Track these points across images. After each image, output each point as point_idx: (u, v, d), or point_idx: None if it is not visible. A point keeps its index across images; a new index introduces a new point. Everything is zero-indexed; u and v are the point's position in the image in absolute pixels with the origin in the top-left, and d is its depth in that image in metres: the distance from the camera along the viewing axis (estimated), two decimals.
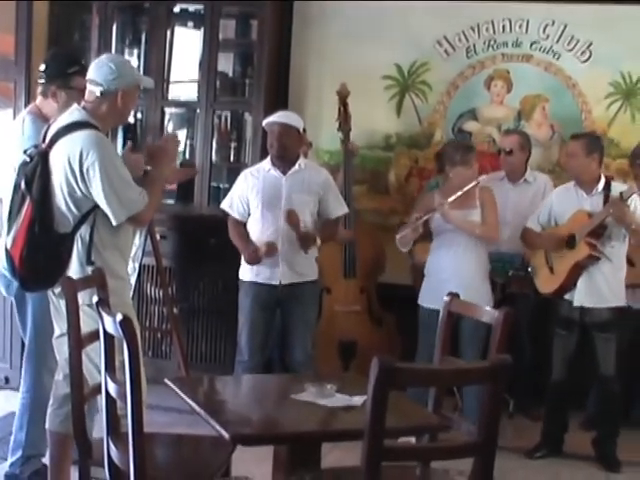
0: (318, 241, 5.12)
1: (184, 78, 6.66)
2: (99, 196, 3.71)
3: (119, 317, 2.85)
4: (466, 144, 5.78)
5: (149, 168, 4.00)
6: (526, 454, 5.25)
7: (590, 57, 6.20)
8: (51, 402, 3.96)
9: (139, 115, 6.56)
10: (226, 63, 6.67)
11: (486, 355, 3.51)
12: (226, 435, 2.89)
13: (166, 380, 3.44)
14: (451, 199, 5.10)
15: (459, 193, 5.09)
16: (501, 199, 5.77)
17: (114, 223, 3.75)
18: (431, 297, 5.12)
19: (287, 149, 5.11)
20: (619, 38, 6.10)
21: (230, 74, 6.70)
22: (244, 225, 5.24)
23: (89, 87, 3.84)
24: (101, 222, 3.78)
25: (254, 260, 5.07)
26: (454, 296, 3.66)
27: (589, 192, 5.13)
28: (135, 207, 3.78)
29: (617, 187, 5.10)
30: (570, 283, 5.13)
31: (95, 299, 3.23)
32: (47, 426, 3.94)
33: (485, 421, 2.71)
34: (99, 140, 3.74)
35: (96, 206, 3.75)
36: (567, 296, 5.16)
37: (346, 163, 6.00)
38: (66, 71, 4.24)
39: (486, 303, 4.88)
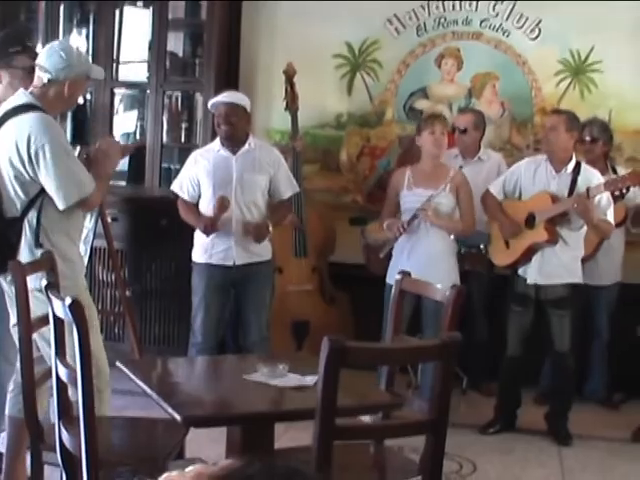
0: (271, 229, 5.10)
1: (134, 58, 6.59)
2: (48, 179, 3.66)
3: (68, 300, 2.82)
4: (434, 113, 5.80)
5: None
6: (480, 430, 5.28)
7: (539, 35, 6.22)
8: (11, 388, 3.93)
9: (88, 96, 6.47)
10: (176, 43, 6.61)
11: None
12: (178, 417, 2.88)
13: (118, 363, 3.42)
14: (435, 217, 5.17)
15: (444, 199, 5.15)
16: None
17: (62, 206, 3.71)
18: (392, 276, 5.16)
19: (235, 129, 5.08)
20: (568, 16, 6.12)
21: (180, 54, 6.65)
22: (195, 206, 5.21)
23: (38, 72, 3.80)
24: (49, 206, 3.73)
25: (210, 227, 5.00)
26: (406, 274, 3.66)
27: (558, 171, 5.13)
28: (85, 190, 3.74)
29: (586, 171, 5.12)
30: (523, 260, 5.17)
31: (44, 283, 3.20)
32: (6, 412, 3.91)
33: (436, 398, 2.73)
34: (48, 123, 3.70)
35: (44, 190, 3.70)
36: (521, 272, 5.20)
37: (294, 160, 5.96)
38: (7, 50, 4.16)
39: (453, 280, 4.91)
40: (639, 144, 6.07)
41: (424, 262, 5.05)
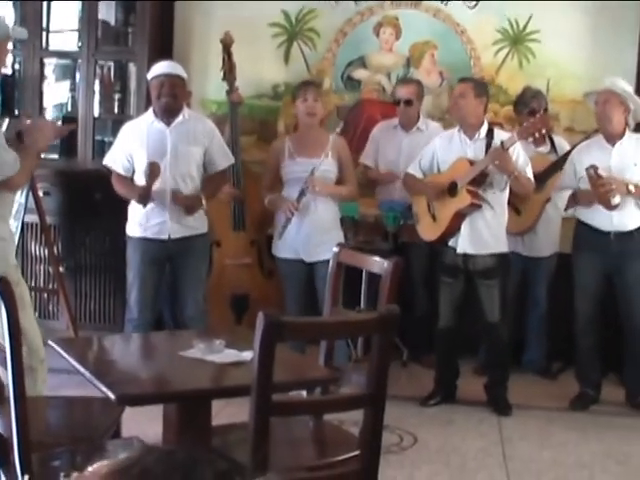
0: (204, 202, 5.02)
1: (64, 27, 6.42)
2: None
3: None
4: (306, 80, 5.79)
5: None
6: (421, 402, 5.28)
7: (478, 3, 6.19)
8: None
9: (17, 66, 6.30)
10: (107, 11, 6.44)
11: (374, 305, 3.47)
12: (112, 396, 2.82)
13: (50, 341, 3.33)
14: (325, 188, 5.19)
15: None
16: (395, 147, 5.80)
17: None
18: (284, 247, 5.26)
19: (177, 101, 5.00)
20: None
21: (112, 22, 6.48)
22: (130, 180, 5.09)
23: None
24: None
25: (145, 195, 4.90)
26: (343, 246, 3.62)
27: (472, 137, 5.12)
28: (8, 170, 3.63)
29: (499, 134, 5.12)
30: (452, 231, 5.15)
31: None
32: None
33: (374, 372, 2.67)
34: None
35: None
36: (451, 243, 5.18)
37: (232, 115, 5.88)
38: None
39: None
40: (576, 113, 6.08)
41: (314, 233, 5.14)
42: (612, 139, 5.15)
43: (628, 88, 5.17)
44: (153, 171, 4.86)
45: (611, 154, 5.13)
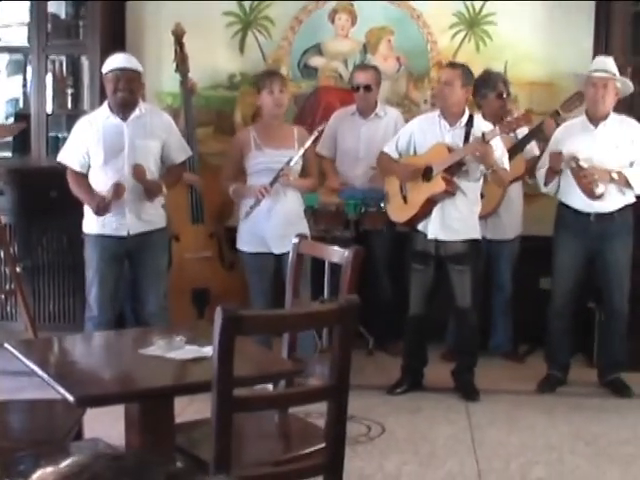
0: (164, 189, 4.95)
1: (13, 21, 6.30)
2: None
3: None
4: (270, 70, 5.77)
5: None
6: (388, 391, 5.24)
7: None
8: None
9: None
10: (57, 5, 6.33)
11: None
12: (71, 398, 2.76)
13: (6, 344, 3.26)
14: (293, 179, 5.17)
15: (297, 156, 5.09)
16: (354, 134, 5.75)
17: None
18: (250, 241, 5.21)
19: (134, 95, 4.92)
20: None
21: (62, 16, 6.37)
22: (86, 176, 5.00)
23: None
24: None
25: (103, 209, 4.85)
26: (303, 237, 3.57)
27: (453, 124, 5.08)
28: None
29: (479, 122, 5.09)
30: (423, 215, 5.12)
31: None
32: None
33: (336, 363, 2.64)
34: None
35: None
36: (421, 228, 5.14)
37: (186, 104, 5.81)
38: None
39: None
40: (534, 95, 6.09)
41: (283, 222, 5.10)
42: (597, 120, 5.15)
43: (616, 69, 5.17)
44: (117, 192, 4.81)
45: (594, 135, 5.13)
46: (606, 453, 4.45)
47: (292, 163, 5.10)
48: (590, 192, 5.02)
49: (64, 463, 1.15)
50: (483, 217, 5.53)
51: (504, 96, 5.66)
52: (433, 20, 6.17)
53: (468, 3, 6.15)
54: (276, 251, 5.20)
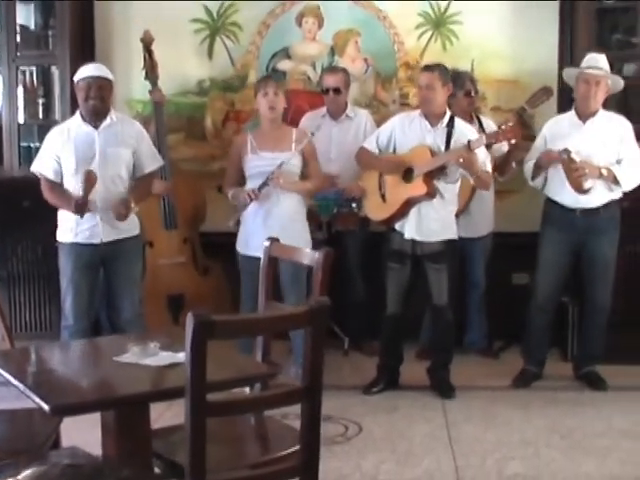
0: (134, 207, 4.95)
1: None
2: None
3: None
4: (266, 75, 5.88)
5: None
6: (364, 390, 5.27)
7: None
8: None
9: None
10: (26, 15, 6.35)
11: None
12: (46, 407, 2.76)
13: None
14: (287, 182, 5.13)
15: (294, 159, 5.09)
16: (325, 136, 5.77)
17: None
18: (251, 245, 5.15)
19: (105, 103, 4.94)
20: None
21: (32, 27, 6.39)
22: (60, 185, 5.00)
23: None
24: None
25: (82, 207, 4.81)
26: (274, 240, 3.59)
27: (434, 125, 5.11)
28: None
29: (459, 124, 5.11)
30: (400, 215, 5.15)
31: None
32: None
33: (309, 365, 2.66)
34: None
35: None
36: (398, 228, 5.18)
37: (156, 115, 5.82)
38: None
39: (306, 240, 4.91)
40: (501, 93, 6.15)
41: (280, 225, 5.04)
42: (585, 116, 5.20)
43: (608, 66, 5.22)
44: (89, 179, 4.78)
45: (582, 131, 5.18)
46: (581, 446, 4.49)
47: (283, 166, 5.09)
48: (578, 186, 5.06)
49: (23, 474, 1.17)
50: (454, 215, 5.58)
51: (472, 94, 5.72)
52: (399, 21, 6.22)
53: (433, 3, 6.20)
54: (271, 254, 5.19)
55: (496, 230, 5.89)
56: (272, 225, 5.07)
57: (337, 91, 5.82)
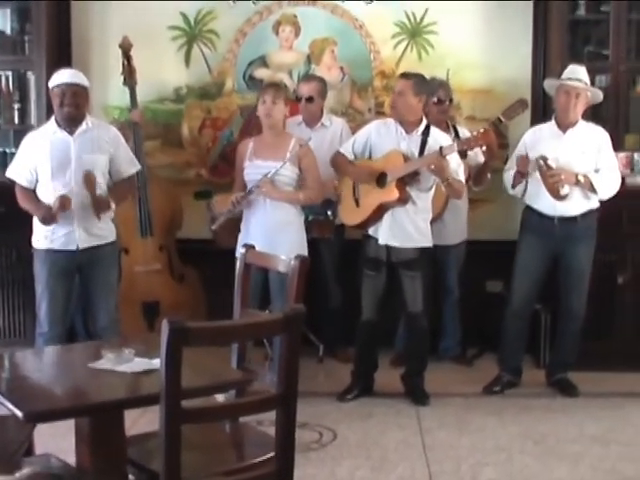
0: (112, 205, 4.96)
1: None
2: None
3: None
4: (270, 82, 5.87)
5: None
6: (338, 397, 5.29)
7: None
8: None
9: None
10: (2, 20, 6.33)
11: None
12: (19, 414, 2.76)
13: None
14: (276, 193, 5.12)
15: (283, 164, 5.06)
16: None
17: None
18: (239, 249, 5.10)
19: (80, 110, 4.94)
20: None
21: (8, 32, 6.36)
22: (33, 191, 5.00)
23: None
24: None
25: (49, 218, 4.85)
26: (250, 247, 3.61)
27: (409, 132, 5.14)
28: None
29: (434, 132, 5.15)
30: (373, 220, 5.18)
31: None
32: None
33: (284, 372, 2.68)
34: None
35: None
36: (372, 233, 5.20)
37: (134, 134, 5.84)
38: None
39: (298, 250, 4.85)
40: (476, 102, 6.20)
41: (265, 234, 5.04)
42: (565, 127, 5.26)
43: (588, 78, 5.28)
44: (63, 204, 4.82)
45: (562, 140, 5.23)
46: (554, 452, 4.54)
47: (272, 175, 5.09)
48: (555, 192, 5.11)
49: None
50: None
51: (445, 102, 5.76)
52: (375, 30, 6.26)
53: (409, 13, 6.23)
54: None
55: (470, 238, 5.94)
56: (258, 233, 5.06)
57: (310, 100, 5.85)
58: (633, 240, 5.74)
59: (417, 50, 6.25)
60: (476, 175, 5.69)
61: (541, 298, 5.64)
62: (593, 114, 5.66)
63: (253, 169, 5.19)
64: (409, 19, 6.23)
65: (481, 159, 5.66)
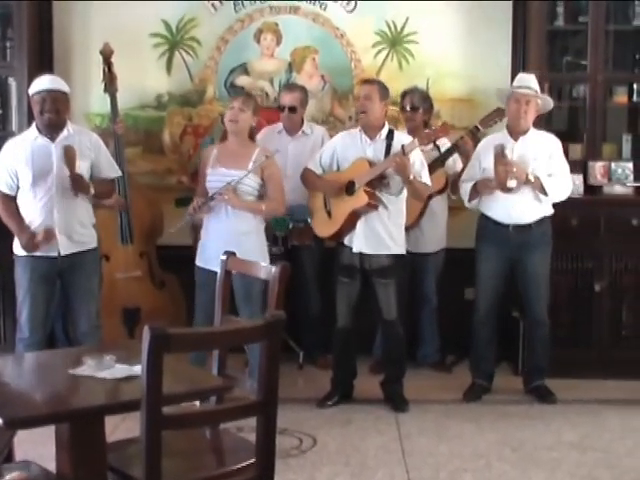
0: (92, 190, 4.95)
1: None
2: None
3: None
4: (248, 93, 5.96)
5: None
6: (318, 404, 5.31)
7: (355, 7, 6.30)
8: None
9: None
10: None
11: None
12: None
13: None
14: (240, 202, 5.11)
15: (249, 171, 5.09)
16: (281, 153, 5.79)
17: None
18: (203, 257, 5.18)
19: (60, 116, 4.93)
20: None
21: None
22: (14, 199, 4.99)
23: None
24: None
25: (31, 248, 4.89)
26: (231, 254, 3.63)
27: (373, 138, 5.20)
28: None
29: (399, 136, 5.20)
30: (347, 229, 5.22)
31: None
32: None
33: (264, 379, 2.70)
34: None
35: None
36: (346, 242, 5.24)
37: (116, 145, 5.83)
38: None
39: (262, 259, 4.87)
40: (455, 111, 6.25)
41: (225, 242, 4.86)
42: (517, 134, 5.32)
43: (538, 86, 5.34)
44: (47, 237, 4.86)
45: (513, 148, 5.29)
46: (532, 458, 4.57)
47: (234, 184, 5.08)
48: (502, 182, 5.17)
49: None
50: (404, 230, 5.65)
51: (418, 109, 5.81)
52: (356, 39, 6.31)
53: (390, 22, 6.28)
54: (215, 269, 5.20)
55: (449, 246, 5.98)
56: (218, 240, 5.02)
57: (292, 109, 5.89)
58: (610, 248, 5.79)
59: (397, 59, 6.30)
60: (454, 183, 5.74)
61: (518, 305, 5.69)
62: (570, 124, 5.72)
63: (216, 176, 5.17)
64: (390, 28, 6.28)
65: (459, 167, 5.72)
